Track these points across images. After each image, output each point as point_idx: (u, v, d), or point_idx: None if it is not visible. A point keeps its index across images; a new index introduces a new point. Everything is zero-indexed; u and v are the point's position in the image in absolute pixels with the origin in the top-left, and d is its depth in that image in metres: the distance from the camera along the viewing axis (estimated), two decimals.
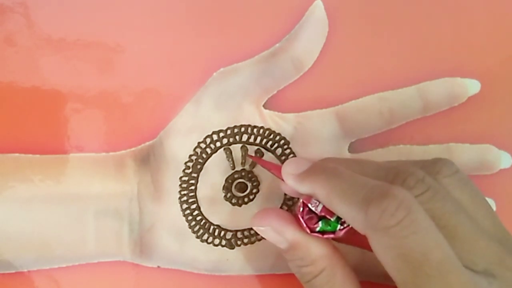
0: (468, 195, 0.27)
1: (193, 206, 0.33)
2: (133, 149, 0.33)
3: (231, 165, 0.33)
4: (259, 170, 0.33)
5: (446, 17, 0.34)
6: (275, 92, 0.33)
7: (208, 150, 0.33)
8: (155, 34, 0.32)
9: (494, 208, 0.35)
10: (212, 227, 0.33)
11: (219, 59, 0.32)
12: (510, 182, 0.35)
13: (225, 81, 0.32)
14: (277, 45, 0.33)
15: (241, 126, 0.33)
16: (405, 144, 0.34)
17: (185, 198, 0.33)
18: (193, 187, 0.33)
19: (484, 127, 0.35)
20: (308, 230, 0.27)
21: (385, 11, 0.33)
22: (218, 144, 0.33)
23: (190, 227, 0.33)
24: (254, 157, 0.33)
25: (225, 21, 0.32)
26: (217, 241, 0.33)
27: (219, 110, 0.33)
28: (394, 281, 0.24)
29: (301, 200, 0.28)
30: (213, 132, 0.33)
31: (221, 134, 0.33)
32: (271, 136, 0.33)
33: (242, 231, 0.33)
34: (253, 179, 0.33)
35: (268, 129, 0.33)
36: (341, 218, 0.27)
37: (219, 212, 0.33)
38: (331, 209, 0.26)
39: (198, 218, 0.33)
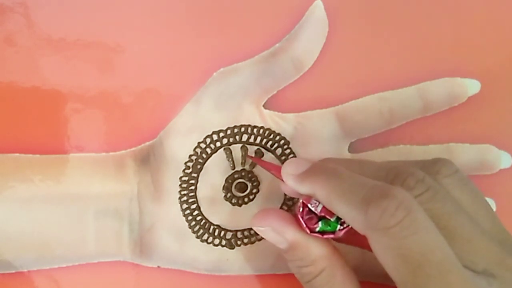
0: (468, 195, 0.27)
1: (193, 206, 0.33)
2: (133, 149, 0.33)
3: (231, 165, 0.33)
4: (259, 170, 0.33)
5: (446, 17, 0.34)
6: (275, 92, 0.33)
7: (208, 150, 0.33)
8: (155, 34, 0.32)
9: (494, 208, 0.35)
10: (212, 227, 0.33)
11: (219, 59, 0.32)
12: (510, 182, 0.35)
13: (225, 81, 0.32)
14: (277, 45, 0.33)
15: (241, 126, 0.33)
16: (405, 144, 0.34)
17: (185, 198, 0.33)
18: (193, 187, 0.33)
19: (484, 127, 0.35)
20: (308, 231, 0.27)
21: (385, 11, 0.33)
22: (218, 144, 0.33)
23: (190, 227, 0.33)
24: (254, 158, 0.33)
25: (225, 21, 0.32)
26: (217, 241, 0.33)
27: (219, 110, 0.33)
28: (394, 281, 0.24)
29: (301, 201, 0.28)
30: (213, 132, 0.33)
31: (221, 134, 0.33)
32: (271, 136, 0.33)
33: (242, 231, 0.33)
34: (253, 179, 0.33)
35: (268, 129, 0.33)
36: (341, 219, 0.27)
37: (219, 212, 0.33)
38: (331, 210, 0.26)
39: (198, 218, 0.33)
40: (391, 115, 0.33)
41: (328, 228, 0.27)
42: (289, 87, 0.33)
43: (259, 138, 0.33)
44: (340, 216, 0.26)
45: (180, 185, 0.33)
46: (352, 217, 0.25)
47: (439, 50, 0.34)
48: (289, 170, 0.28)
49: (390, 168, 0.27)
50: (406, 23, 0.34)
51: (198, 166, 0.33)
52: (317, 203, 0.27)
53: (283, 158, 0.33)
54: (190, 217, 0.33)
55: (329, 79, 0.33)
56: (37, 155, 0.32)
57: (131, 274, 0.33)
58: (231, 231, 0.33)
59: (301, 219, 0.27)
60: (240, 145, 0.33)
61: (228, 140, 0.33)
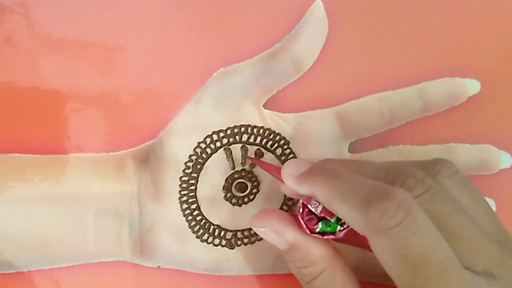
0: (468, 196, 0.27)
1: (193, 206, 0.33)
2: (133, 149, 0.33)
3: (231, 165, 0.33)
4: (259, 170, 0.33)
5: (446, 17, 0.34)
6: (275, 92, 0.33)
7: (208, 150, 0.33)
8: (155, 34, 0.32)
9: (494, 208, 0.35)
10: (212, 227, 0.33)
11: (219, 59, 0.32)
12: (510, 182, 0.35)
13: (225, 81, 0.32)
14: (277, 45, 0.33)
15: (241, 126, 0.33)
16: (405, 144, 0.34)
17: (185, 198, 0.33)
18: (193, 187, 0.33)
19: (484, 127, 0.35)
20: (308, 231, 0.27)
21: (385, 11, 0.33)
22: (218, 144, 0.33)
23: (190, 227, 0.33)
24: (253, 159, 0.33)
25: (225, 21, 0.32)
26: (217, 241, 0.33)
27: (219, 110, 0.33)
28: (394, 281, 0.24)
29: (301, 201, 0.28)
30: (213, 132, 0.33)
31: (221, 134, 0.33)
32: (271, 136, 0.33)
33: (242, 231, 0.33)
34: (253, 179, 0.33)
35: (268, 129, 0.33)
36: (341, 219, 0.27)
37: (219, 212, 0.33)
38: (330, 210, 0.26)
39: (198, 218, 0.33)
40: (391, 115, 0.33)
41: (328, 229, 0.27)
42: (289, 87, 0.33)
43: (259, 138, 0.33)
44: (340, 217, 0.26)
45: (180, 185, 0.33)
46: (352, 218, 0.25)
47: (439, 50, 0.34)
48: (289, 171, 0.28)
49: (390, 168, 0.27)
50: (406, 23, 0.34)
51: (198, 166, 0.33)
52: (317, 204, 0.27)
53: (283, 158, 0.33)
54: (190, 217, 0.33)
55: (329, 79, 0.33)
56: (37, 155, 0.32)
57: (131, 274, 0.33)
58: (231, 231, 0.33)
59: (301, 220, 0.27)
60: (240, 145, 0.33)
61: (228, 140, 0.33)
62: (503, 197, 0.35)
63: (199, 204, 0.33)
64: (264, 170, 0.32)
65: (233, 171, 0.33)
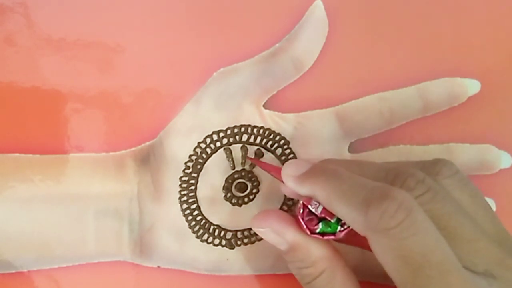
0: (468, 196, 0.27)
1: (193, 206, 0.33)
2: (133, 149, 0.33)
3: (231, 165, 0.33)
4: (259, 170, 0.33)
5: (446, 17, 0.34)
6: (275, 92, 0.33)
7: (208, 150, 0.33)
8: (155, 34, 0.32)
9: (494, 208, 0.35)
10: (212, 227, 0.33)
11: (219, 59, 0.32)
12: (510, 182, 0.35)
13: (225, 81, 0.32)
14: (277, 45, 0.33)
15: (241, 126, 0.33)
16: (405, 144, 0.34)
17: (185, 198, 0.33)
18: (193, 187, 0.33)
19: (484, 127, 0.35)
20: (308, 232, 0.27)
21: (385, 11, 0.33)
22: (218, 144, 0.33)
23: (190, 227, 0.33)
24: (253, 159, 0.33)
25: (225, 21, 0.32)
26: (217, 241, 0.33)
27: (219, 110, 0.33)
28: (394, 282, 0.24)
29: (301, 202, 0.28)
30: (213, 132, 0.33)
31: (221, 134, 0.33)
32: (271, 136, 0.33)
33: (242, 231, 0.33)
34: (253, 179, 0.33)
35: (268, 129, 0.33)
36: (341, 220, 0.27)
37: (219, 212, 0.33)
38: (331, 211, 0.26)
39: (198, 218, 0.33)
40: (391, 115, 0.33)
41: (329, 229, 0.27)
42: (289, 87, 0.33)
43: (259, 138, 0.33)
44: (340, 217, 0.26)
45: (180, 185, 0.33)
46: (352, 218, 0.25)
47: (439, 50, 0.34)
48: (289, 171, 0.28)
49: (390, 169, 0.27)
50: (406, 23, 0.34)
51: (198, 166, 0.33)
52: (318, 204, 0.27)
53: (283, 158, 0.33)
54: (190, 217, 0.33)
55: (329, 79, 0.33)
56: (37, 155, 0.32)
57: (131, 274, 0.33)
58: (231, 231, 0.33)
59: (301, 220, 0.27)
60: (240, 145, 0.33)
61: (228, 140, 0.33)
62: (503, 197, 0.35)
63: (199, 204, 0.33)
64: (264, 170, 0.32)
65: (233, 171, 0.33)
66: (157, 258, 0.33)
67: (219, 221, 0.33)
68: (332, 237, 0.27)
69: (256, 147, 0.33)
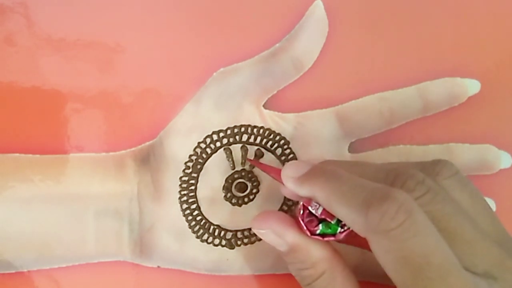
0: (468, 197, 0.27)
1: (193, 206, 0.33)
2: (133, 149, 0.33)
3: (231, 165, 0.33)
4: (259, 170, 0.33)
5: (446, 17, 0.34)
6: (275, 92, 0.33)
7: (208, 150, 0.33)
8: (155, 34, 0.32)
9: (494, 209, 0.35)
10: (212, 227, 0.33)
11: (219, 59, 0.32)
12: (510, 182, 0.35)
13: (225, 81, 0.32)
14: (277, 45, 0.33)
15: (241, 126, 0.33)
16: (405, 144, 0.34)
17: (185, 198, 0.33)
18: (193, 187, 0.33)
19: (484, 127, 0.35)
20: (308, 233, 0.27)
21: (385, 11, 0.33)
22: (218, 144, 0.33)
23: (190, 227, 0.33)
24: (253, 161, 0.33)
25: (225, 21, 0.32)
26: (217, 241, 0.33)
27: (219, 110, 0.33)
28: (394, 283, 0.24)
29: (301, 203, 0.28)
30: (213, 132, 0.33)
31: (221, 134, 0.33)
32: (271, 136, 0.33)
33: (242, 231, 0.33)
34: (253, 179, 0.33)
35: (268, 129, 0.33)
36: (341, 221, 0.27)
37: (219, 212, 0.33)
38: (331, 212, 0.26)
39: (198, 218, 0.33)
40: (391, 115, 0.33)
41: (329, 230, 0.27)
42: (289, 87, 0.33)
43: (259, 138, 0.33)
44: (340, 219, 0.26)
45: (180, 185, 0.33)
46: (352, 219, 0.25)
47: (439, 50, 0.34)
48: (289, 172, 0.28)
49: (390, 170, 0.27)
50: (406, 23, 0.34)
51: (198, 166, 0.33)
52: (318, 206, 0.27)
53: (283, 158, 0.33)
54: (190, 217, 0.33)
55: (329, 79, 0.33)
56: (37, 155, 0.32)
57: (131, 274, 0.33)
58: (231, 231, 0.33)
59: (301, 221, 0.27)
60: (240, 145, 0.33)
61: (228, 140, 0.33)
62: (503, 197, 0.35)
63: (199, 204, 0.33)
64: (264, 172, 0.32)
65: (233, 171, 0.33)
66: (157, 258, 0.33)
67: (219, 221, 0.33)
68: (332, 238, 0.27)
69: (256, 147, 0.33)
